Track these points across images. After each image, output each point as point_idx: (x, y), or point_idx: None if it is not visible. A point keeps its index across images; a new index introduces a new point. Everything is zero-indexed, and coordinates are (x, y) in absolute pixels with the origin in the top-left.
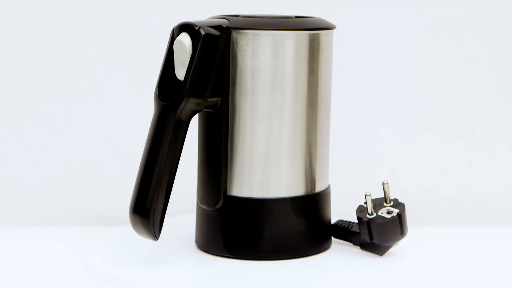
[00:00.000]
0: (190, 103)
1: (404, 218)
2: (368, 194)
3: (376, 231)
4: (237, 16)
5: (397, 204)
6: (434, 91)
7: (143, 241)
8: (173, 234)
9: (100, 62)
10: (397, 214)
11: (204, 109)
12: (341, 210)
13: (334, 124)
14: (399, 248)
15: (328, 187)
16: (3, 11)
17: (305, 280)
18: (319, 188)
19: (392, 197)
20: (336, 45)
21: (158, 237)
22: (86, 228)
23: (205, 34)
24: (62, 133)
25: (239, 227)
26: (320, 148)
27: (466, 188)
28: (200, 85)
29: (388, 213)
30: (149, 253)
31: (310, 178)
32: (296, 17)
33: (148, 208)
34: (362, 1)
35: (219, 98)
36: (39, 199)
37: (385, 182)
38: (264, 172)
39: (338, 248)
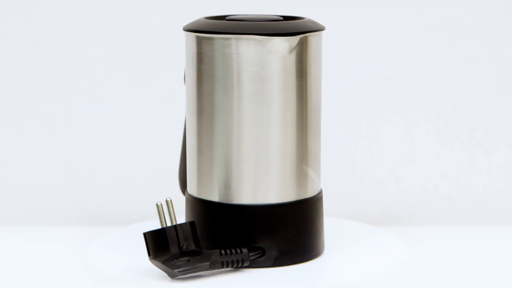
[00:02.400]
0: None
1: (154, 241)
2: (158, 203)
3: None
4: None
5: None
6: (433, 91)
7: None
8: None
9: (100, 62)
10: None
11: None
12: (340, 211)
13: (333, 125)
14: (398, 247)
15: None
16: (3, 11)
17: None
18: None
19: (176, 217)
20: (334, 45)
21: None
22: (86, 228)
23: None
24: (62, 133)
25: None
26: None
27: (465, 188)
28: None
29: None
30: None
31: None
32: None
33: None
34: (361, 1)
35: None
36: (39, 199)
37: (167, 199)
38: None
39: (331, 253)
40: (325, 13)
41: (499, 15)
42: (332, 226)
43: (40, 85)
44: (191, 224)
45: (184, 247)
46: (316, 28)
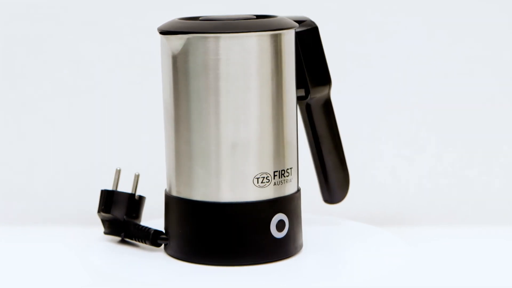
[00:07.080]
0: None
1: (100, 198)
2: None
3: None
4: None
5: None
6: (433, 91)
7: None
8: None
9: (100, 62)
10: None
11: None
12: (339, 211)
13: None
14: (398, 247)
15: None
16: (4, 11)
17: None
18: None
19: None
20: (334, 45)
21: None
22: (86, 228)
23: None
24: (62, 133)
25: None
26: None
27: (465, 187)
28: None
29: None
30: (149, 253)
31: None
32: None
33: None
34: (362, 1)
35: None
36: (39, 199)
37: (117, 168)
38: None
39: (331, 253)
40: (326, 13)
41: (499, 15)
42: (331, 226)
43: (40, 85)
44: (127, 195)
45: (102, 210)
46: (244, 29)
